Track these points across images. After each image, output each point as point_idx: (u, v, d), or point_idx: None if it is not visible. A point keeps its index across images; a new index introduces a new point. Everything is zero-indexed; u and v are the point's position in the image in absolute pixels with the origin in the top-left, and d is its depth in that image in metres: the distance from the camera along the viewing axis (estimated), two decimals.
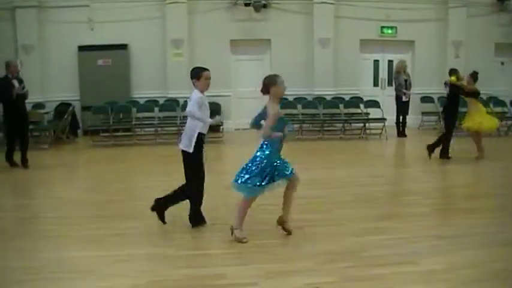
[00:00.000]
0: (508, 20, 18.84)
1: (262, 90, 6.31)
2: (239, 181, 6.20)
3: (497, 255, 5.86)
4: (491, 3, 18.69)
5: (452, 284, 5.11)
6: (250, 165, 6.23)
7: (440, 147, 12.06)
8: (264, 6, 16.93)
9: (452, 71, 12.34)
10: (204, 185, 6.90)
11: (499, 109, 17.79)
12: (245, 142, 15.22)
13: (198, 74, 6.76)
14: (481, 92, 12.42)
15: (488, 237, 6.50)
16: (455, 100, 12.07)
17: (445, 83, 12.49)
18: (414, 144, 14.38)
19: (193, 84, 6.80)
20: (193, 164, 6.77)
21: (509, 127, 17.28)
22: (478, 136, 12.15)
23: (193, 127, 6.69)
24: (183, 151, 6.78)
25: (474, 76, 12.05)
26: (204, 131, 6.81)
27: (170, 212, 7.14)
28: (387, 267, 5.49)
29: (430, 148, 12.13)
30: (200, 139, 6.72)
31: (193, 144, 6.66)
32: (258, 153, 6.24)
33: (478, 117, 11.94)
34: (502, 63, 19.69)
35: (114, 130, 15.34)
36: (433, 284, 5.12)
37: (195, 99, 6.66)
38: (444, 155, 12.03)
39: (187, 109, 6.69)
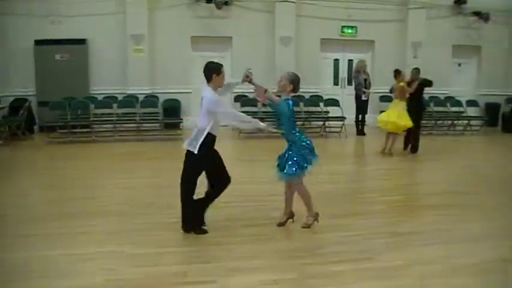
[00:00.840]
0: (465, 23, 19.21)
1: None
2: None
3: (456, 251, 5.99)
4: (450, 6, 19.04)
5: (409, 279, 5.20)
6: None
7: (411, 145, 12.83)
8: (226, 3, 16.88)
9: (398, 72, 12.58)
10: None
11: (455, 109, 18.18)
12: None
13: (218, 69, 6.37)
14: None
15: (447, 233, 6.63)
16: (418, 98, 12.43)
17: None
18: (373, 142, 14.51)
19: (210, 80, 6.33)
20: (193, 166, 6.39)
21: (465, 126, 17.64)
22: (395, 135, 12.43)
23: (204, 126, 6.26)
24: (188, 151, 6.38)
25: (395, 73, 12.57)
26: (215, 133, 6.40)
27: (132, 211, 7.08)
28: (345, 264, 5.55)
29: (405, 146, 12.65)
30: (209, 140, 6.36)
31: (199, 144, 6.25)
32: None
33: (395, 116, 12.15)
34: (459, 65, 20.08)
35: (71, 126, 15.08)
36: (390, 280, 5.20)
37: (215, 99, 6.24)
38: (416, 150, 12.66)
39: (222, 111, 6.22)
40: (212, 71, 6.35)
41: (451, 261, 5.65)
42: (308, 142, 6.62)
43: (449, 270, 5.42)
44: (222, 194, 6.57)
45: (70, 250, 5.92)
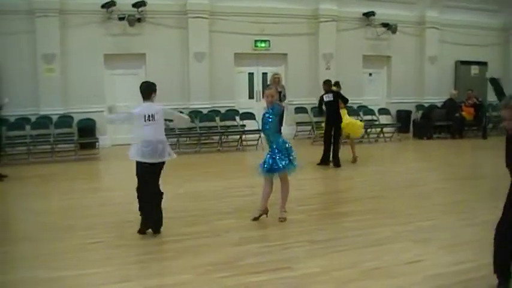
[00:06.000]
0: (373, 34, 19.89)
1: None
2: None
3: (369, 255, 6.19)
4: (359, 18, 19.67)
5: (327, 285, 5.35)
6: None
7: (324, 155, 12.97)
8: (139, 20, 16.76)
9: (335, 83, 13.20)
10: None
11: (368, 117, 18.74)
12: (123, 158, 14.98)
13: None
14: (350, 100, 13.32)
15: (360, 238, 6.84)
16: (337, 108, 12.71)
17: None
18: None
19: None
20: None
21: (378, 134, 18.22)
22: (351, 141, 12.86)
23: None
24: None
25: (338, 85, 12.96)
26: None
27: (48, 235, 6.91)
28: (264, 274, 5.63)
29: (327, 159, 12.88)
30: None
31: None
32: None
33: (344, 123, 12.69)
34: (370, 74, 20.75)
35: None
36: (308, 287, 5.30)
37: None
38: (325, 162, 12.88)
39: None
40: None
41: (363, 265, 5.85)
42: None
43: (362, 274, 5.61)
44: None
45: None
